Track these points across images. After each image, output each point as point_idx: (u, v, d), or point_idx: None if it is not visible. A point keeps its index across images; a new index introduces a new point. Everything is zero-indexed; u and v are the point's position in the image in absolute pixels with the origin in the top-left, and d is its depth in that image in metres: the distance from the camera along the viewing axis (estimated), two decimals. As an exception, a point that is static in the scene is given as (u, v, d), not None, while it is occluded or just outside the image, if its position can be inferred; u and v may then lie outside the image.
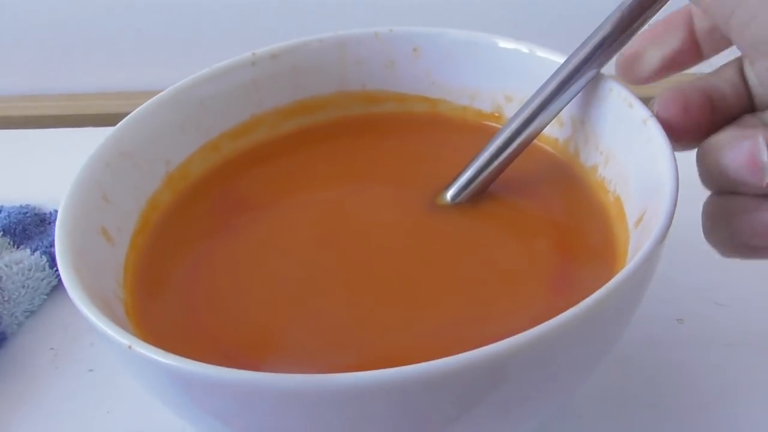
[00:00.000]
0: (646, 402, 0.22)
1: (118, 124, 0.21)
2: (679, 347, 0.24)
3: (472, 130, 0.26)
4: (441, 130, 0.26)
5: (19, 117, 0.43)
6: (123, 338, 0.14)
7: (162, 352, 0.14)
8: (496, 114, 0.25)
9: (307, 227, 0.22)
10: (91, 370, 0.25)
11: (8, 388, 0.25)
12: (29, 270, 0.28)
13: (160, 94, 0.22)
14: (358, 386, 0.14)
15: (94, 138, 0.38)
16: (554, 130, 0.23)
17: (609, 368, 0.23)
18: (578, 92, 0.21)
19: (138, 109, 0.22)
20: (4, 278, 0.27)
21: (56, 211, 0.31)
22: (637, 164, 0.19)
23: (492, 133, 0.25)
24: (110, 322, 0.14)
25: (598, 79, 0.21)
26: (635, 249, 0.17)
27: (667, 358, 0.24)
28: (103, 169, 0.20)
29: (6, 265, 0.27)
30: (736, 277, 0.26)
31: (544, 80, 0.22)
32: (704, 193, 0.29)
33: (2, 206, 0.32)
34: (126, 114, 0.42)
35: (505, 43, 0.23)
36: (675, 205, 0.16)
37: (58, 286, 0.28)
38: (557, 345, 0.14)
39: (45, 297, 0.28)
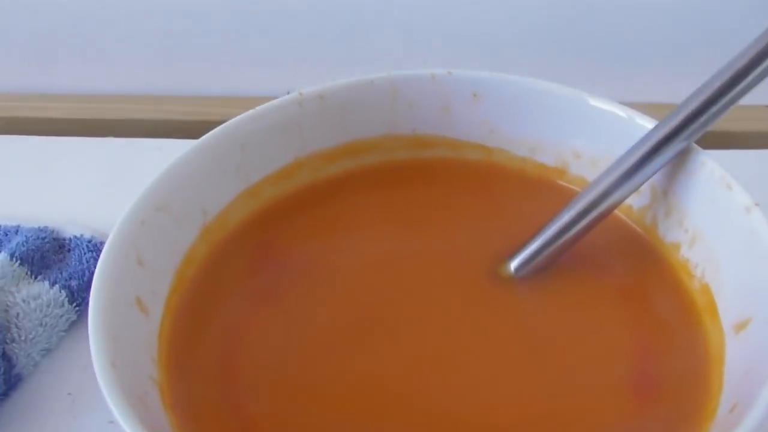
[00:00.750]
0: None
1: (155, 178, 0.19)
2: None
3: (531, 183, 0.24)
4: (497, 180, 0.24)
5: (29, 119, 0.41)
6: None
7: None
8: (561, 169, 0.23)
9: (350, 290, 0.20)
10: (111, 422, 0.23)
11: (23, 438, 0.23)
12: (47, 306, 0.26)
13: (200, 140, 0.20)
14: None
15: (114, 149, 0.36)
16: (629, 197, 0.21)
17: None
18: (665, 164, 0.19)
19: (175, 158, 0.20)
20: (21, 315, 0.25)
21: (76, 238, 0.30)
22: (735, 256, 0.17)
23: (555, 190, 0.23)
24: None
25: (688, 150, 0.19)
26: (736, 365, 0.15)
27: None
28: (138, 228, 0.18)
29: (23, 300, 0.26)
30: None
31: (622, 140, 0.20)
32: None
33: (19, 227, 0.30)
34: (145, 120, 0.40)
35: (594, 101, 0.21)
36: None
37: (77, 321, 0.27)
38: None
39: (63, 334, 0.26)
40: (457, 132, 0.24)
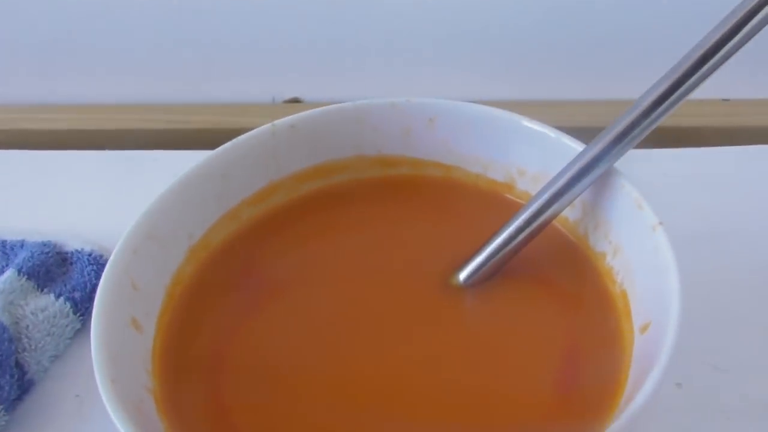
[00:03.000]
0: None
1: (145, 209, 0.22)
2: (676, 412, 0.25)
3: (485, 197, 0.26)
4: (455, 195, 0.27)
5: (29, 131, 0.43)
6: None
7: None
8: (509, 184, 0.26)
9: (322, 299, 0.23)
10: (115, 421, 0.26)
11: (36, 438, 0.26)
12: (54, 317, 0.29)
13: (184, 172, 0.23)
14: None
15: (111, 162, 0.39)
16: (566, 210, 0.24)
17: None
18: (591, 184, 0.22)
19: (163, 191, 0.22)
20: (31, 327, 0.28)
21: (77, 251, 0.32)
22: (644, 267, 0.20)
23: (505, 204, 0.26)
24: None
25: (611, 172, 0.22)
26: (640, 360, 0.18)
27: (664, 424, 0.25)
28: (132, 257, 0.21)
29: (32, 313, 0.28)
30: (736, 342, 0.27)
31: (557, 159, 0.22)
32: (699, 245, 0.30)
33: (24, 241, 0.33)
34: (142, 131, 0.42)
35: (528, 123, 0.24)
36: (677, 340, 0.17)
37: (81, 329, 0.30)
38: None
39: (69, 341, 0.29)
40: (418, 152, 0.27)
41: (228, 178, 0.24)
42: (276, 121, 0.25)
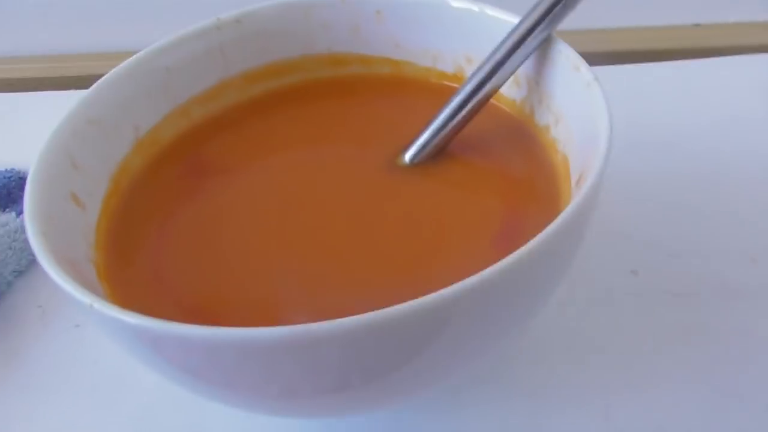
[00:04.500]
0: (597, 350, 0.24)
1: (85, 92, 0.22)
2: (632, 297, 0.25)
3: (435, 90, 0.26)
4: (405, 91, 0.27)
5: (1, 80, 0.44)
6: (85, 297, 0.15)
7: (118, 309, 0.15)
8: (458, 75, 0.26)
9: (271, 189, 0.23)
10: (77, 326, 0.27)
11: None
12: (15, 232, 0.29)
13: (125, 62, 0.23)
14: (313, 336, 0.15)
15: (74, 100, 0.39)
16: (512, 91, 0.24)
17: (563, 314, 0.25)
18: (530, 54, 0.22)
19: (104, 77, 0.22)
20: (-9, 241, 0.28)
21: (40, 175, 0.32)
22: (581, 125, 0.20)
23: (453, 92, 0.26)
24: (74, 282, 0.16)
25: (549, 41, 0.22)
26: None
27: (621, 308, 0.25)
28: (71, 137, 0.21)
29: (-8, 228, 0.29)
30: (688, 230, 0.27)
31: (498, 39, 0.22)
32: (655, 153, 0.30)
33: (-12, 171, 0.33)
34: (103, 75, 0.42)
35: (457, 3, 0.24)
36: (606, 162, 0.17)
37: (43, 247, 0.30)
38: (493, 293, 0.16)
39: (32, 258, 0.29)
40: (368, 49, 0.26)
41: (173, 71, 0.24)
42: (221, 15, 0.25)
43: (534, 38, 0.21)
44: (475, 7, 0.23)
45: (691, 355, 0.23)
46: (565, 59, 0.21)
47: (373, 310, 0.15)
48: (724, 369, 0.23)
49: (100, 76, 0.44)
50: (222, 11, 0.25)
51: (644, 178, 0.30)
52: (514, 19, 0.22)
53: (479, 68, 0.22)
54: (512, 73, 0.22)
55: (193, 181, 0.24)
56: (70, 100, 0.38)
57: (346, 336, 0.15)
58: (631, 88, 0.34)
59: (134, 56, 0.23)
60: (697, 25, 0.43)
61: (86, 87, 0.41)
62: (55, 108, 0.38)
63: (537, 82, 0.23)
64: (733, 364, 0.23)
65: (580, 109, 0.20)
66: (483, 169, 0.23)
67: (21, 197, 0.32)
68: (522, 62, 0.22)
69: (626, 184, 0.29)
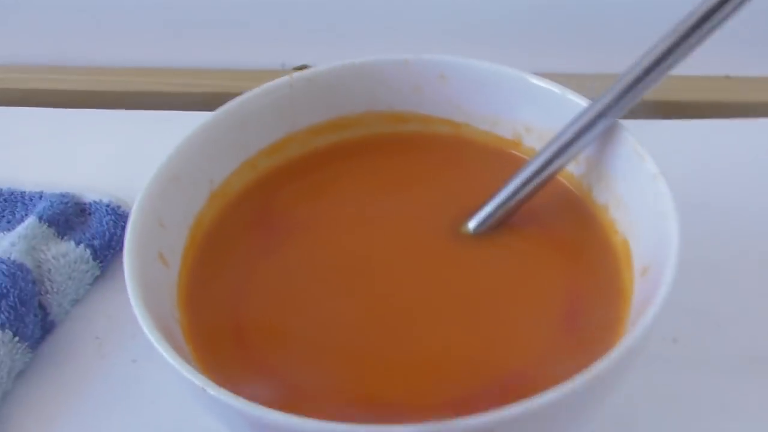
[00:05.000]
0: (636, 419, 0.25)
1: (169, 152, 0.23)
2: (671, 366, 0.26)
3: (493, 153, 0.27)
4: (463, 151, 0.28)
5: (46, 90, 0.44)
6: (198, 381, 0.16)
7: (232, 396, 0.16)
8: (516, 141, 0.27)
9: (334, 244, 0.24)
10: (134, 361, 0.27)
11: (56, 376, 0.27)
12: (75, 263, 0.30)
13: (206, 118, 0.24)
14: None
15: (126, 121, 0.39)
16: (570, 166, 0.25)
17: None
18: (596, 138, 0.23)
19: (186, 135, 0.23)
20: (53, 270, 0.29)
21: (95, 202, 0.33)
22: (645, 215, 0.21)
23: (512, 160, 0.27)
24: (186, 365, 0.17)
25: (614, 127, 0.23)
26: (639, 301, 0.19)
27: (661, 377, 0.26)
28: (158, 196, 0.22)
29: (54, 258, 0.29)
30: (733, 299, 0.28)
31: (562, 116, 0.23)
32: (701, 215, 0.31)
33: (42, 193, 0.34)
34: (152, 93, 0.43)
35: (534, 80, 0.25)
36: (675, 277, 0.18)
37: (100, 276, 0.31)
38: (554, 413, 0.16)
39: (89, 287, 0.30)
40: (428, 109, 0.28)
41: (247, 126, 0.25)
42: (294, 74, 0.26)
43: (602, 123, 0.22)
44: (556, 89, 0.24)
45: (730, 425, 0.24)
46: (629, 147, 0.22)
47: (432, 391, 0.16)
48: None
49: (148, 93, 0.44)
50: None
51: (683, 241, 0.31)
52: (583, 102, 0.23)
53: (546, 147, 0.23)
54: (578, 153, 0.23)
55: (260, 233, 0.25)
56: (117, 119, 0.40)
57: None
58: (664, 144, 0.35)
59: (215, 113, 0.24)
60: (728, 77, 0.44)
61: (129, 103, 0.43)
62: (101, 127, 0.39)
63: (596, 161, 0.24)
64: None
65: (644, 200, 0.21)
66: (543, 243, 0.24)
67: (79, 224, 0.33)
68: (588, 145, 0.23)
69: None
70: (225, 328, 0.21)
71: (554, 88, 0.24)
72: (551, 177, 0.23)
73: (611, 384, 0.17)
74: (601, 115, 0.22)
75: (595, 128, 0.22)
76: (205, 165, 0.24)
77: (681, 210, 0.32)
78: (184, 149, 0.23)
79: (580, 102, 0.23)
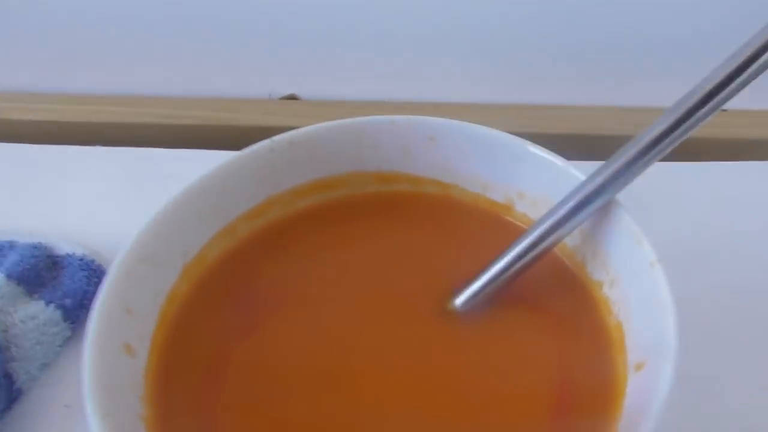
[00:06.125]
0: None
1: (139, 230, 0.21)
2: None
3: (483, 216, 0.26)
4: (452, 212, 0.26)
5: (14, 121, 0.42)
6: None
7: None
8: (508, 205, 0.26)
9: (317, 321, 0.23)
10: (105, 432, 0.26)
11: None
12: (44, 325, 0.28)
13: (181, 191, 0.23)
14: None
15: (103, 159, 0.38)
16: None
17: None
18: (592, 214, 0.22)
19: (157, 211, 0.22)
20: (20, 335, 0.27)
21: (69, 255, 0.32)
22: (641, 302, 0.20)
23: (502, 224, 0.26)
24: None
25: (611, 203, 0.21)
26: (632, 398, 0.18)
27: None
28: (125, 281, 0.20)
29: (21, 321, 0.28)
30: (728, 364, 0.27)
31: (556, 186, 0.22)
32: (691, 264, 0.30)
33: (14, 242, 0.32)
34: (134, 124, 0.42)
35: (533, 148, 0.24)
36: (671, 387, 0.17)
37: (71, 337, 0.29)
38: None
39: (59, 349, 0.29)
40: (417, 169, 0.26)
41: (225, 194, 0.24)
42: (275, 137, 0.25)
43: (599, 200, 0.21)
44: (558, 161, 0.23)
45: None
46: (626, 228, 0.21)
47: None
48: None
49: (125, 124, 0.42)
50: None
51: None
52: (581, 175, 0.22)
53: (540, 222, 0.22)
54: (572, 230, 0.22)
55: (236, 309, 0.23)
56: (92, 156, 0.38)
57: None
58: (656, 189, 0.33)
59: (186, 186, 0.23)
60: (724, 110, 0.44)
61: (109, 136, 0.41)
62: (77, 165, 0.38)
63: (592, 236, 0.23)
64: None
65: (639, 285, 0.20)
66: (535, 321, 0.22)
67: (50, 280, 0.32)
68: (584, 221, 0.22)
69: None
70: (194, 425, 0.20)
71: (555, 159, 0.23)
72: (544, 254, 0.22)
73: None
74: (598, 192, 0.21)
75: (591, 205, 0.21)
76: (178, 240, 0.22)
77: (674, 262, 0.31)
78: (155, 227, 0.22)
79: (578, 175, 0.22)
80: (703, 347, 0.27)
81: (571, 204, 0.21)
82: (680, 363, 0.26)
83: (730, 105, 0.45)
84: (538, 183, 0.24)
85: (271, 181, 0.25)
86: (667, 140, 0.20)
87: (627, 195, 0.21)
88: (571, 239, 0.24)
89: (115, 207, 0.35)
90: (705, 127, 0.44)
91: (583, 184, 0.21)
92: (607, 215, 0.22)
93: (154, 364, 0.21)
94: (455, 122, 0.25)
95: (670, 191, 0.34)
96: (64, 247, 0.32)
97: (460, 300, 0.23)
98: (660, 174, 0.35)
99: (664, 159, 0.37)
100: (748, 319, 0.28)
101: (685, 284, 0.29)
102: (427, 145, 0.26)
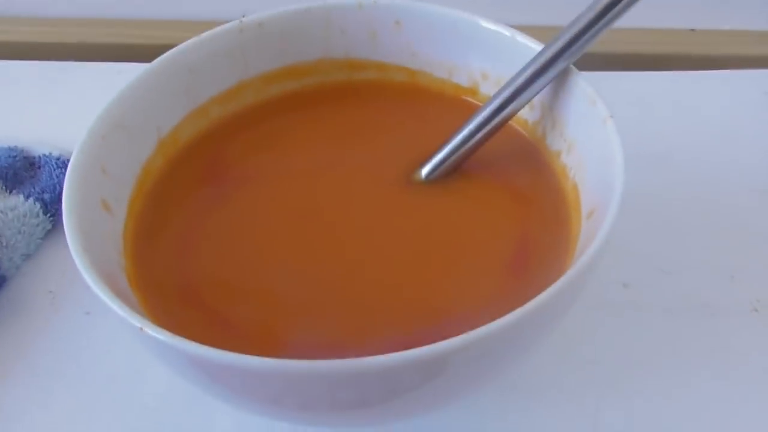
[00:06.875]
0: (588, 359, 0.25)
1: (112, 98, 0.22)
2: (622, 310, 0.27)
3: (449, 101, 0.27)
4: (419, 99, 0.27)
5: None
6: (135, 321, 0.16)
7: (169, 334, 0.16)
8: (473, 89, 0.26)
9: (287, 191, 0.24)
10: (88, 313, 0.27)
11: (8, 330, 0.27)
12: (24, 216, 0.29)
13: (150, 64, 0.23)
14: (328, 372, 0.16)
15: (76, 73, 0.38)
16: (524, 112, 0.25)
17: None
18: (549, 82, 0.22)
19: (130, 81, 0.22)
20: (1, 225, 0.28)
21: (45, 156, 0.32)
22: (594, 159, 0.21)
23: (467, 107, 0.26)
24: (123, 305, 0.16)
25: (567, 71, 0.22)
26: (584, 242, 0.19)
27: (612, 320, 0.27)
28: (100, 143, 0.21)
29: (2, 212, 0.29)
30: (682, 246, 0.29)
31: (518, 63, 0.23)
32: (654, 162, 0.31)
33: (-10, 146, 0.33)
34: (105, 45, 0.42)
35: (486, 23, 0.24)
36: (617, 217, 0.18)
37: (52, 230, 0.30)
38: (499, 344, 0.17)
39: (41, 241, 0.30)
40: (384, 56, 0.27)
41: (196, 72, 0.24)
42: (244, 18, 0.25)
43: (556, 67, 0.22)
44: (506, 32, 0.24)
45: (675, 365, 0.25)
46: (581, 92, 0.22)
47: (382, 331, 0.16)
48: (702, 383, 0.25)
49: (101, 45, 0.42)
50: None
51: (637, 191, 0.31)
52: (537, 46, 0.23)
53: (500, 92, 0.23)
54: (531, 98, 0.23)
55: (211, 183, 0.24)
56: (69, 72, 0.39)
57: (356, 375, 0.16)
58: (625, 96, 0.35)
59: (158, 59, 0.23)
60: (693, 30, 0.44)
61: (81, 55, 0.41)
62: (54, 80, 0.38)
63: (551, 108, 0.24)
64: (713, 380, 0.25)
65: (593, 144, 0.21)
66: (496, 189, 0.24)
67: (28, 178, 0.32)
68: (541, 89, 0.22)
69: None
70: (173, 278, 0.21)
71: (504, 31, 0.24)
72: (504, 122, 0.23)
73: (551, 318, 0.18)
74: (554, 59, 0.22)
75: (548, 73, 0.22)
76: (150, 112, 0.23)
77: (638, 159, 0.33)
78: (127, 95, 0.22)
79: (534, 46, 0.23)
80: (662, 233, 0.29)
81: (528, 72, 0.22)
82: (631, 223, 0.27)
83: (699, 24, 0.45)
84: (497, 62, 0.25)
85: (242, 64, 0.26)
86: (622, 4, 0.21)
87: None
88: (531, 114, 0.25)
89: (88, 116, 0.35)
90: (674, 45, 0.45)
91: (540, 53, 0.22)
92: (564, 83, 0.23)
93: (132, 228, 0.22)
94: (420, 4, 0.26)
95: (632, 99, 0.35)
96: (40, 149, 0.32)
97: (425, 170, 0.24)
98: (630, 82, 0.37)
99: (635, 68, 0.38)
100: (700, 209, 0.30)
101: (644, 177, 0.31)
102: (394, 30, 0.26)
